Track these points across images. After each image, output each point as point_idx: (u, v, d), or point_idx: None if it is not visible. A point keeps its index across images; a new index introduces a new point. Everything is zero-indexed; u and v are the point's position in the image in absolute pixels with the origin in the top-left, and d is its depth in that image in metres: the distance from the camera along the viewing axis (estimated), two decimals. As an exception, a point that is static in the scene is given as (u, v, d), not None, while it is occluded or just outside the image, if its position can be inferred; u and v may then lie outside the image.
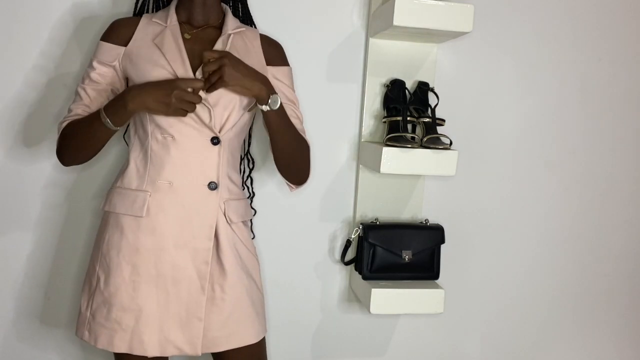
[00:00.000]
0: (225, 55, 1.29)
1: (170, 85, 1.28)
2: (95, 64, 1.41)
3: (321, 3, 1.75)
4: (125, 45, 1.41)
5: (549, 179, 1.96)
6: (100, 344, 1.35)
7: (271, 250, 1.79)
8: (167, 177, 1.35)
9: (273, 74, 1.49)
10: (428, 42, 1.77)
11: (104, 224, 1.42)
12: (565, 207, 1.99)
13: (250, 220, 1.66)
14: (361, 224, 1.76)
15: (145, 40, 1.40)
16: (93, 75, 1.41)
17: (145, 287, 1.34)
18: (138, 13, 1.54)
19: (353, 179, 1.84)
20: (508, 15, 1.87)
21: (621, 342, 2.11)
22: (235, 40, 1.44)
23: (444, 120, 1.71)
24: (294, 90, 1.54)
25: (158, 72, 1.34)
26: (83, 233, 1.70)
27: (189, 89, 1.29)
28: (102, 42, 1.43)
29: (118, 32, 1.42)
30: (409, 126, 1.74)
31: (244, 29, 1.48)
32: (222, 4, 1.50)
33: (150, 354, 1.34)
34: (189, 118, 1.34)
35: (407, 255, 1.73)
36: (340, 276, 1.87)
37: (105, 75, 1.41)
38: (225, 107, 1.36)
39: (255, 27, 1.61)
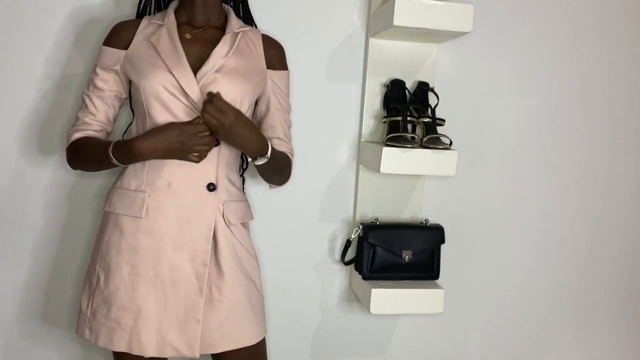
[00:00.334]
0: (228, 112, 1.29)
1: (180, 129, 1.30)
2: (98, 69, 1.43)
3: (321, 3, 1.75)
4: (126, 48, 1.41)
5: (549, 179, 1.96)
6: (101, 342, 1.35)
7: (271, 250, 1.79)
8: (165, 178, 1.36)
9: (272, 77, 1.50)
10: (428, 42, 1.77)
11: (104, 224, 1.42)
12: (565, 207, 1.99)
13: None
14: (361, 224, 1.76)
15: (144, 41, 1.40)
16: (96, 81, 1.42)
17: (144, 288, 1.35)
18: (140, 15, 1.54)
19: (353, 179, 1.84)
20: (508, 15, 1.87)
21: (621, 342, 2.11)
22: (239, 40, 1.44)
23: (444, 120, 1.71)
24: (288, 96, 1.55)
25: (155, 72, 1.34)
26: (84, 233, 1.70)
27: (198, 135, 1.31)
28: (104, 46, 1.43)
29: (119, 35, 1.42)
30: (409, 126, 1.74)
31: (247, 29, 1.48)
32: (223, 4, 1.50)
33: (148, 354, 1.34)
34: (188, 119, 1.34)
35: (407, 255, 1.73)
36: (340, 276, 1.87)
37: (107, 80, 1.42)
38: None
39: (257, 27, 1.61)
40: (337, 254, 1.85)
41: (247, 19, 1.59)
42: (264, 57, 1.48)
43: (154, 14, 1.54)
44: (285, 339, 1.85)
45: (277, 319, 1.82)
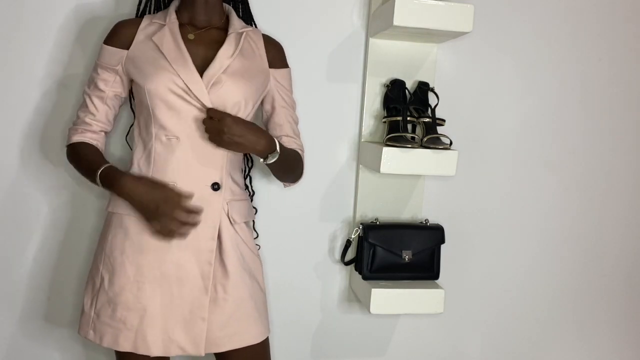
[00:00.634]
0: (223, 119, 1.30)
1: (167, 196, 1.28)
2: (99, 69, 1.43)
3: (321, 3, 1.75)
4: (128, 47, 1.41)
5: (549, 179, 1.96)
6: (105, 342, 1.35)
7: (271, 250, 1.79)
8: (170, 178, 1.36)
9: (274, 76, 1.51)
10: (428, 42, 1.77)
11: (107, 224, 1.42)
12: (565, 207, 1.99)
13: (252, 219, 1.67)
14: (361, 224, 1.76)
15: (146, 41, 1.40)
16: (97, 81, 1.42)
17: (149, 287, 1.35)
18: (141, 14, 1.53)
19: (353, 179, 1.84)
20: (508, 15, 1.87)
21: (621, 342, 2.11)
22: (243, 41, 1.44)
23: (444, 120, 1.71)
24: (292, 92, 1.56)
25: (160, 74, 1.34)
26: (87, 233, 1.70)
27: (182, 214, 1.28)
28: (104, 45, 1.43)
29: (120, 34, 1.42)
30: (409, 126, 1.74)
31: (248, 29, 1.48)
32: (224, 4, 1.50)
33: (153, 354, 1.35)
34: (194, 120, 1.34)
35: (407, 255, 1.73)
36: (340, 276, 1.87)
37: (108, 80, 1.42)
38: (231, 109, 1.37)
39: (257, 27, 1.61)
40: (337, 254, 1.85)
41: (247, 18, 1.59)
42: (266, 57, 1.49)
43: (154, 12, 1.53)
44: (285, 338, 1.85)
45: (277, 318, 1.82)
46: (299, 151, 1.56)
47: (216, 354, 1.44)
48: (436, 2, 1.54)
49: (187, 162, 1.36)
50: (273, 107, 1.53)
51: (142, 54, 1.38)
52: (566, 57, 1.93)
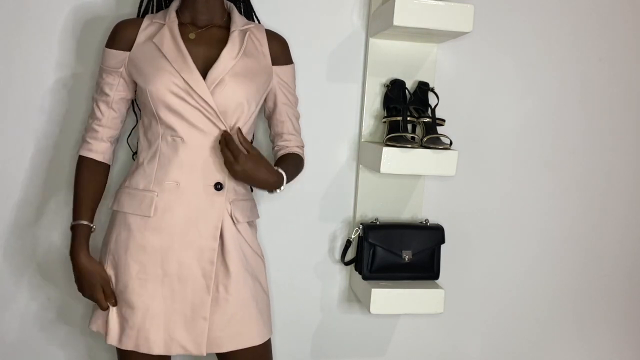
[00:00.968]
0: (238, 156, 1.33)
1: (90, 297, 1.38)
2: (103, 73, 1.42)
3: (321, 3, 1.75)
4: (129, 49, 1.40)
5: (549, 179, 1.96)
6: (110, 339, 1.38)
7: (271, 250, 1.79)
8: (174, 177, 1.36)
9: (277, 73, 1.50)
10: (428, 42, 1.77)
11: (111, 223, 1.43)
12: (565, 207, 1.99)
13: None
14: (361, 224, 1.76)
15: (146, 42, 1.39)
16: (102, 86, 1.42)
17: (152, 286, 1.35)
18: (142, 14, 1.52)
19: (353, 179, 1.84)
20: (508, 15, 1.87)
21: (621, 342, 2.11)
22: (247, 39, 1.43)
23: (444, 120, 1.71)
24: (295, 89, 1.56)
25: (161, 75, 1.34)
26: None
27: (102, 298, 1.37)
28: (106, 49, 1.42)
29: (121, 36, 1.41)
30: (409, 126, 1.74)
31: (251, 26, 1.47)
32: (225, 1, 1.49)
33: (155, 352, 1.35)
34: (200, 120, 1.35)
35: (407, 255, 1.73)
36: (340, 276, 1.87)
37: (112, 84, 1.41)
38: (234, 110, 1.37)
39: (260, 23, 1.59)
40: (337, 254, 1.85)
41: (249, 16, 1.58)
42: (269, 54, 1.48)
43: (155, 12, 1.53)
44: (286, 338, 1.85)
45: (277, 318, 1.82)
46: (299, 151, 1.57)
47: (218, 355, 1.45)
48: (436, 2, 1.54)
49: (190, 162, 1.36)
50: (275, 104, 1.52)
51: (143, 55, 1.38)
52: (566, 57, 1.93)
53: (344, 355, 1.92)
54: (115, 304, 1.38)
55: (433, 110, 1.70)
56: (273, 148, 1.60)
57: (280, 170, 1.42)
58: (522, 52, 1.89)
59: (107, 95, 1.41)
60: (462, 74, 1.86)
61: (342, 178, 1.83)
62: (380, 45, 1.76)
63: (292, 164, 1.52)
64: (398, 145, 1.58)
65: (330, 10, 1.76)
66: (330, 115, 1.80)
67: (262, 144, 1.73)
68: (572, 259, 2.02)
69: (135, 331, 1.35)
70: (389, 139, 1.61)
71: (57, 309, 1.73)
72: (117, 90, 1.42)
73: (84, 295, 1.39)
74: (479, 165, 1.91)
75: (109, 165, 1.47)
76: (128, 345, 1.35)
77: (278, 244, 1.80)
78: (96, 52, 1.63)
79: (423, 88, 1.75)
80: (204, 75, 1.35)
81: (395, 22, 1.52)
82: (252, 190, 1.64)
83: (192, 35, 1.40)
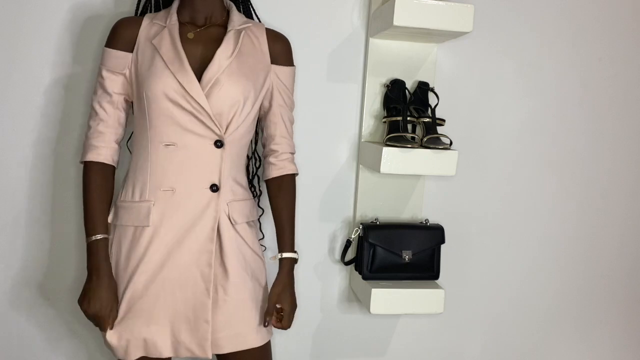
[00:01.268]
0: (284, 326, 1.49)
1: (96, 314, 1.35)
2: (104, 73, 1.39)
3: (321, 3, 1.75)
4: (132, 50, 1.38)
5: (549, 178, 1.96)
6: (119, 353, 1.38)
7: (271, 250, 1.79)
8: (169, 184, 1.35)
9: (276, 73, 1.47)
10: (428, 42, 1.77)
11: (113, 236, 1.41)
12: (565, 206, 1.99)
13: (258, 219, 1.66)
14: (361, 224, 1.76)
15: (147, 44, 1.38)
16: (105, 86, 1.38)
17: (154, 293, 1.35)
18: (141, 13, 1.52)
19: (353, 179, 1.84)
20: (508, 15, 1.87)
21: (621, 342, 2.11)
22: (242, 38, 1.41)
23: (444, 120, 1.71)
24: (293, 92, 1.53)
25: (158, 78, 1.32)
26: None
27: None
28: (107, 48, 1.40)
29: (121, 36, 1.39)
30: (409, 126, 1.74)
31: (250, 24, 1.46)
32: (225, 0, 1.48)
33: (165, 355, 1.37)
34: (194, 125, 1.34)
35: (407, 255, 1.73)
36: (340, 276, 1.87)
37: (115, 84, 1.38)
38: (229, 111, 1.36)
39: (260, 22, 1.58)
40: (337, 254, 1.85)
41: (248, 15, 1.57)
42: (268, 53, 1.46)
43: (154, 10, 1.51)
44: (285, 339, 1.85)
45: (277, 319, 1.82)
46: (290, 166, 1.53)
47: (218, 356, 1.44)
48: (436, 2, 1.54)
49: (185, 165, 1.35)
50: (270, 105, 1.49)
51: (143, 57, 1.37)
52: (566, 57, 1.93)
53: (344, 355, 1.92)
54: (112, 328, 1.36)
55: (433, 110, 1.70)
56: (263, 151, 1.55)
57: (293, 255, 1.54)
58: (522, 52, 1.89)
59: (110, 94, 1.38)
60: (462, 74, 1.86)
61: (342, 178, 1.83)
62: (380, 45, 1.76)
63: (289, 223, 1.54)
64: (398, 145, 1.58)
65: (330, 10, 1.76)
66: (330, 115, 1.80)
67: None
68: (572, 259, 2.02)
69: (141, 340, 1.36)
70: (389, 139, 1.61)
71: (61, 310, 1.72)
72: (120, 91, 1.39)
73: (87, 310, 1.34)
74: (479, 165, 1.91)
75: (115, 169, 1.43)
76: (136, 354, 1.36)
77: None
78: (95, 51, 1.63)
79: (423, 88, 1.75)
80: (201, 75, 1.34)
81: (395, 22, 1.52)
82: (252, 190, 1.63)
83: (190, 35, 1.39)
